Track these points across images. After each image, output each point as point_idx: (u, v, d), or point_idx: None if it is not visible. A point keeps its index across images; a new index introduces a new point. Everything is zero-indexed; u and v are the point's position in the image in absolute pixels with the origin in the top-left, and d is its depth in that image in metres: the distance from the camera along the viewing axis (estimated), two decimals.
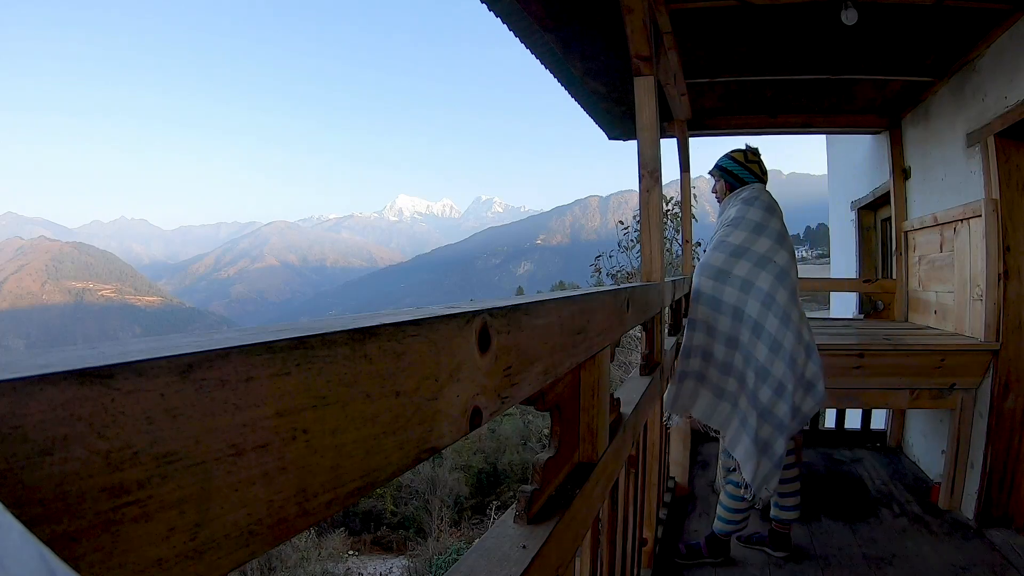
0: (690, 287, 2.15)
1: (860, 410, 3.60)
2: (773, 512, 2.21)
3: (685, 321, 2.13)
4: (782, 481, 2.11)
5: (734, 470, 2.03)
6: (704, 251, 2.27)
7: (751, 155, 2.14)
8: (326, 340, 0.31)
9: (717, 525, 2.15)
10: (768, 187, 2.13)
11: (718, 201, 2.20)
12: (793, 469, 2.14)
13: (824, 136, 5.14)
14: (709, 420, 2.04)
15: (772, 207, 2.04)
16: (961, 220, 2.69)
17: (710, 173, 2.19)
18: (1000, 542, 2.26)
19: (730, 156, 2.16)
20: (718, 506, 2.17)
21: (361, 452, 0.34)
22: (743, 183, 2.10)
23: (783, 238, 2.00)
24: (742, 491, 1.97)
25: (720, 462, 2.38)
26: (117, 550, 0.21)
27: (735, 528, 2.14)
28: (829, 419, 3.85)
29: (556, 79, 2.99)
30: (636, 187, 2.00)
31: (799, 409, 1.90)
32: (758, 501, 1.94)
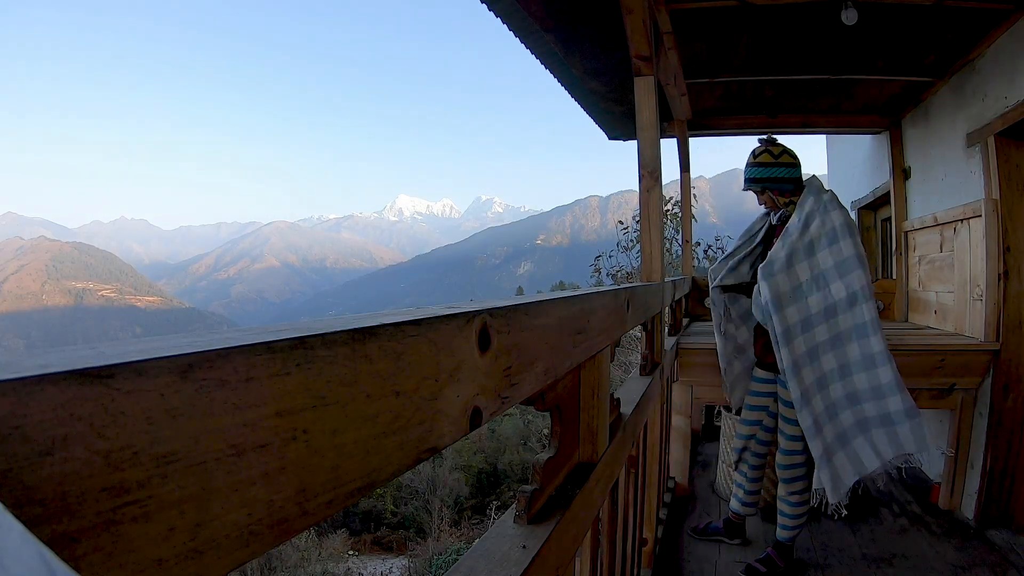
0: (690, 287, 2.12)
1: None
2: (733, 504, 2.29)
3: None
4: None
5: (796, 479, 2.03)
6: (719, 252, 2.18)
7: (776, 148, 1.99)
8: (326, 340, 0.31)
9: (782, 533, 2.09)
10: None
11: (770, 209, 2.05)
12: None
13: (824, 136, 5.14)
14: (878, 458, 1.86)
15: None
16: (961, 220, 2.69)
17: (752, 189, 2.01)
18: (1000, 542, 2.26)
19: (778, 163, 1.95)
20: (779, 515, 2.10)
21: (361, 452, 0.34)
22: (796, 181, 1.97)
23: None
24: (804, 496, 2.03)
25: (721, 461, 2.38)
26: (117, 550, 0.21)
27: (801, 526, 2.10)
28: None
29: (556, 79, 2.99)
30: (636, 187, 2.00)
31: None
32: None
